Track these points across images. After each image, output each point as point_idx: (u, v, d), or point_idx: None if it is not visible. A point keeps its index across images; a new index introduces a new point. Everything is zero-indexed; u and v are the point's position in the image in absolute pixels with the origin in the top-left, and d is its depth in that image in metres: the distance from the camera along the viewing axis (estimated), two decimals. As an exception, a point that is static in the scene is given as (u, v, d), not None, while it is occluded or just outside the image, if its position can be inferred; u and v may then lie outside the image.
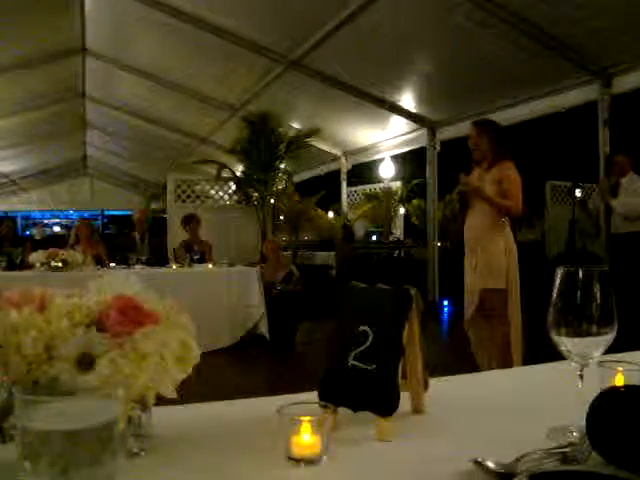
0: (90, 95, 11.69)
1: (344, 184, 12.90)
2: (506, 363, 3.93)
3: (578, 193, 10.75)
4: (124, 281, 0.88)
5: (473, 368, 4.04)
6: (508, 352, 4.01)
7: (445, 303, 9.67)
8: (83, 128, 14.02)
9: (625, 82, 6.55)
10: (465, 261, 4.30)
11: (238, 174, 10.45)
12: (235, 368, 5.93)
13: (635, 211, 6.39)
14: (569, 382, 0.93)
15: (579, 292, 0.89)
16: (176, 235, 8.59)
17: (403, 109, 9.27)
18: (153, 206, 15.83)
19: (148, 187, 17.81)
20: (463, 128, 8.01)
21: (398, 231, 13.68)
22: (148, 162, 16.09)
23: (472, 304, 4.18)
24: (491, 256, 4.07)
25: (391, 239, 12.37)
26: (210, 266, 7.05)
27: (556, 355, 0.96)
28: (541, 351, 0.97)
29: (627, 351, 1.39)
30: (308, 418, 0.78)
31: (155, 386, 0.80)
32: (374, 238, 12.14)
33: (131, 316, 0.82)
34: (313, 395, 1.00)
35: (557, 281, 0.91)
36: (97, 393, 0.70)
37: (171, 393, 0.82)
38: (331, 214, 14.99)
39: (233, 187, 10.53)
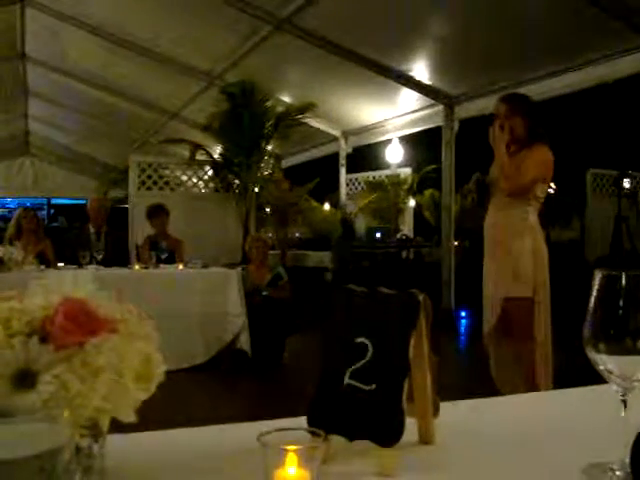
0: (32, 56, 11.57)
1: (343, 170, 12.91)
2: (532, 387, 3.94)
3: (626, 184, 10.79)
4: (73, 281, 0.88)
5: (493, 391, 4.05)
6: (535, 374, 4.02)
7: (462, 314, 9.69)
8: (24, 97, 13.89)
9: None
10: (485, 264, 4.30)
11: (216, 156, 10.44)
12: (210, 389, 5.92)
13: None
14: (609, 409, 0.93)
15: (622, 301, 0.88)
16: (140, 229, 8.57)
17: (415, 80, 9.27)
18: (112, 194, 15.79)
19: (106, 171, 17.76)
20: (486, 104, 8.01)
21: (407, 227, 13.70)
22: (106, 141, 16.04)
23: (492, 315, 4.18)
24: (516, 258, 4.06)
25: (398, 237, 12.39)
26: (180, 267, 7.03)
27: (594, 377, 0.96)
28: (575, 374, 0.97)
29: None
30: (294, 447, 0.77)
31: (110, 408, 0.80)
32: (378, 236, 12.14)
33: (81, 323, 0.81)
34: (302, 421, 1.00)
35: (596, 287, 0.91)
36: (37, 416, 0.69)
37: (129, 417, 0.81)
38: (327, 206, 15.00)
39: (210, 172, 10.51)
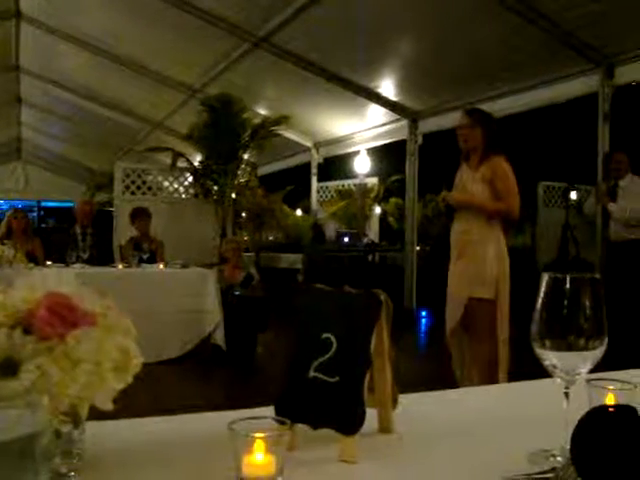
0: (25, 68, 11.45)
1: (314, 179, 12.91)
2: (490, 382, 3.95)
3: (573, 195, 10.91)
4: (57, 277, 0.87)
5: (453, 386, 4.07)
6: (494, 370, 4.04)
7: (423, 313, 9.73)
8: (17, 106, 13.75)
9: (629, 72, 6.64)
10: (450, 266, 4.33)
11: (196, 164, 10.38)
12: (186, 381, 5.88)
13: (635, 217, 6.49)
14: (554, 401, 0.94)
15: (566, 301, 0.89)
16: (123, 231, 8.49)
17: (382, 97, 9.32)
18: (98, 198, 15.62)
19: (93, 176, 17.58)
20: (447, 120, 8.09)
21: (373, 233, 13.72)
22: (94, 148, 15.90)
23: (456, 315, 4.20)
24: (481, 262, 4.10)
25: (365, 241, 12.40)
26: (161, 267, 6.99)
27: (545, 374, 0.97)
28: (530, 370, 0.97)
29: (620, 369, 1.41)
30: (262, 435, 0.77)
31: (89, 397, 0.79)
32: (346, 240, 12.15)
33: (63, 316, 0.80)
34: (270, 410, 1.00)
35: (542, 288, 0.91)
36: (19, 402, 0.68)
37: (107, 405, 0.80)
38: (299, 212, 14.98)
39: (190, 179, 10.44)
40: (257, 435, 0.77)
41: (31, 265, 6.41)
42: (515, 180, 4.16)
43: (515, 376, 3.87)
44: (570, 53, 6.70)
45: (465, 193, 4.26)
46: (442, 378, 4.40)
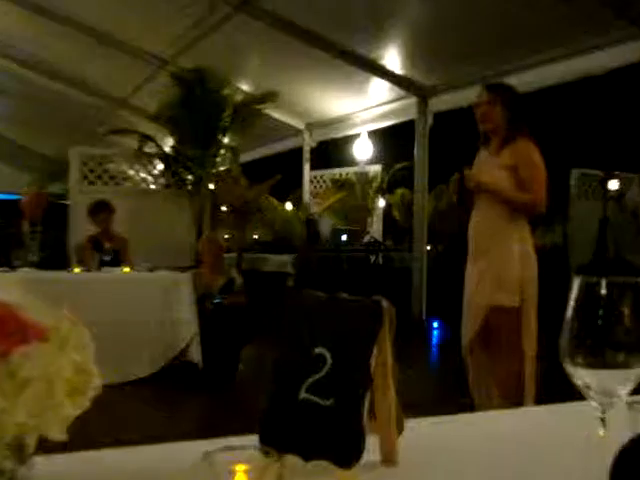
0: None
1: (307, 167, 12.93)
2: (515, 402, 3.96)
3: (613, 185, 10.95)
4: (-1, 283, 0.86)
5: (470, 409, 4.07)
6: (519, 391, 4.04)
7: (435, 324, 9.75)
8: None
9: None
10: (467, 269, 4.33)
11: (167, 149, 10.38)
12: (154, 405, 5.88)
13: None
14: (588, 427, 0.94)
15: (602, 310, 0.89)
16: (81, 228, 8.48)
17: (386, 70, 9.32)
18: (50, 189, 15.57)
19: (44, 164, 17.51)
20: (464, 96, 8.08)
21: (376, 230, 13.74)
22: (44, 130, 15.85)
23: (474, 325, 4.20)
24: (503, 263, 4.10)
25: (366, 240, 12.42)
26: (126, 270, 6.98)
27: (579, 395, 0.97)
28: (562, 391, 0.97)
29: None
30: (244, 467, 0.77)
31: (38, 425, 0.79)
32: (344, 238, 12.16)
33: (7, 330, 0.80)
34: (253, 439, 1.00)
35: (574, 295, 0.91)
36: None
37: (60, 435, 0.80)
38: (289, 206, 14.98)
39: (160, 166, 10.45)
40: (239, 468, 0.76)
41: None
42: (543, 167, 4.16)
43: (544, 398, 3.88)
44: (610, 15, 6.67)
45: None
46: (457, 400, 4.41)
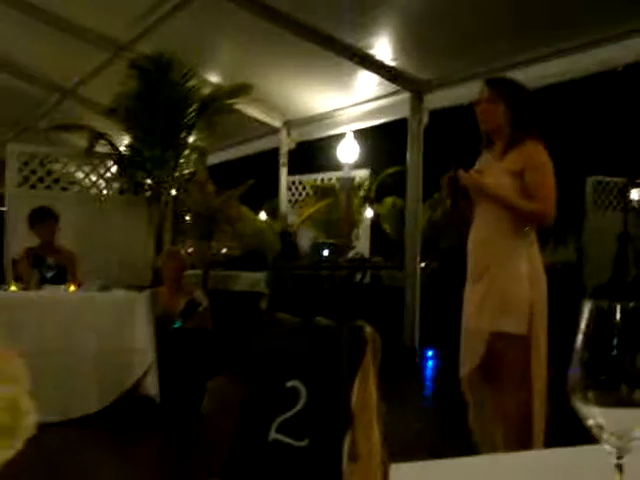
0: None
1: (284, 171, 12.96)
2: (521, 445, 3.96)
3: (634, 195, 11.03)
4: None
5: (470, 451, 4.08)
6: (526, 430, 4.04)
7: (429, 353, 9.78)
8: None
9: None
10: (466, 290, 4.33)
11: (122, 149, 10.37)
12: (103, 448, 5.85)
13: None
14: (603, 475, 0.93)
15: (617, 339, 0.89)
16: (19, 239, 8.45)
17: (376, 61, 9.37)
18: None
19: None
20: (464, 93, 8.13)
21: (362, 244, 13.76)
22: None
23: (474, 355, 4.20)
24: (508, 285, 4.10)
25: (351, 256, 12.43)
26: (72, 289, 6.94)
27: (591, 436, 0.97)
28: (575, 430, 0.97)
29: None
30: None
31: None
32: (326, 254, 12.17)
33: None
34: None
35: (585, 322, 0.91)
36: None
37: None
38: (263, 216, 15.00)
39: (114, 169, 10.44)
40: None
41: None
42: (552, 174, 4.17)
43: (555, 438, 3.88)
44: (632, 1, 6.74)
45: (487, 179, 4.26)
46: (455, 441, 4.41)
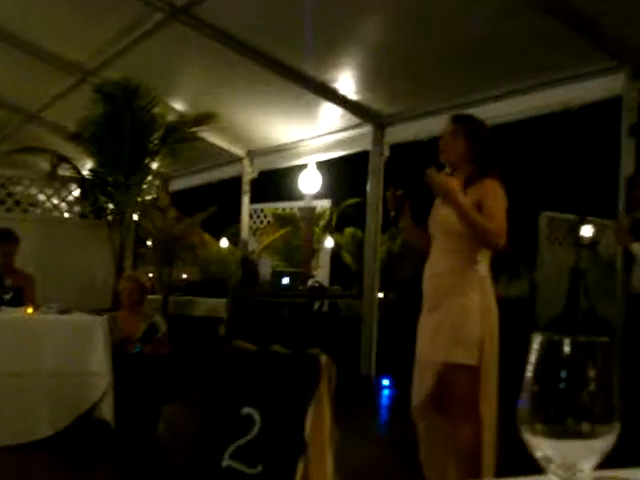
0: None
1: (246, 199, 12.94)
2: (471, 475, 3.96)
3: (586, 232, 11.16)
4: None
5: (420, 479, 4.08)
6: (475, 461, 4.03)
7: (385, 382, 9.75)
8: None
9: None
10: (421, 320, 4.34)
11: (85, 173, 10.31)
12: (57, 472, 5.74)
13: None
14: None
15: (565, 372, 0.89)
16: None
17: (339, 95, 9.41)
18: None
19: None
20: (425, 127, 8.21)
21: (322, 273, 13.76)
22: None
23: (426, 386, 4.19)
24: (461, 316, 4.10)
25: (311, 284, 12.41)
26: (29, 311, 6.85)
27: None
28: (525, 463, 0.98)
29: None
30: None
31: None
32: (286, 282, 12.13)
33: None
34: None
35: (534, 354, 0.91)
36: None
37: None
38: (225, 243, 14.95)
39: (76, 192, 10.36)
40: None
41: None
42: (505, 207, 4.20)
43: (505, 470, 3.88)
44: (587, 45, 6.85)
45: (441, 223, 4.28)
46: (407, 470, 4.40)
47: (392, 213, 4.55)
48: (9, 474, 4.55)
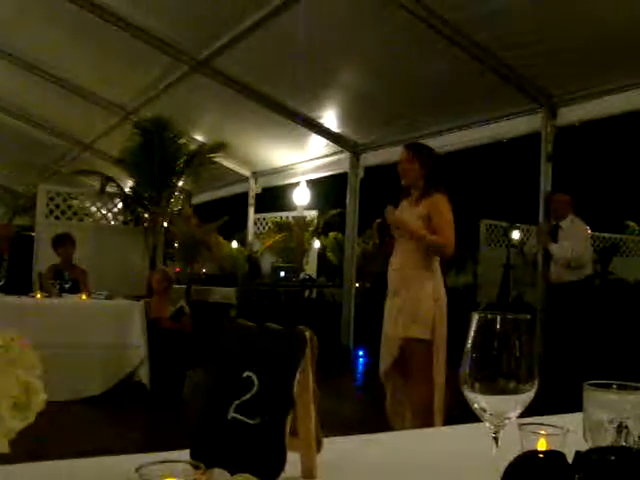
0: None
1: (251, 210, 12.89)
2: (425, 424, 3.95)
3: (515, 235, 11.20)
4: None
5: (388, 429, 4.06)
6: (429, 414, 4.04)
7: (361, 352, 9.75)
8: None
9: (571, 114, 6.90)
10: (386, 304, 4.34)
11: (126, 190, 10.26)
12: (104, 422, 5.71)
13: (575, 258, 6.70)
14: (484, 445, 0.94)
15: (496, 342, 0.90)
16: (45, 258, 8.28)
17: (324, 128, 9.40)
18: (19, 221, 15.23)
19: (13, 198, 17.14)
20: (391, 154, 8.20)
21: (311, 268, 13.72)
22: (17, 168, 15.50)
23: (390, 355, 4.21)
24: (417, 301, 4.11)
25: (302, 276, 12.39)
26: (84, 297, 6.83)
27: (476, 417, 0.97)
28: (469, 414, 0.98)
29: (558, 412, 1.43)
30: (173, 480, 0.74)
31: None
32: (283, 274, 12.11)
33: (-42, 348, 0.77)
34: (186, 453, 0.97)
35: (472, 329, 0.92)
36: None
37: (3, 447, 0.77)
38: (235, 244, 14.90)
39: (119, 205, 10.31)
40: (167, 480, 0.74)
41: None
42: (452, 218, 4.21)
43: (453, 421, 3.88)
44: (514, 92, 6.91)
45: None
46: (378, 421, 4.39)
47: (377, 241, 4.59)
48: (70, 421, 4.53)
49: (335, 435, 1.10)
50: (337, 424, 1.12)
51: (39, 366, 0.85)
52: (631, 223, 15.64)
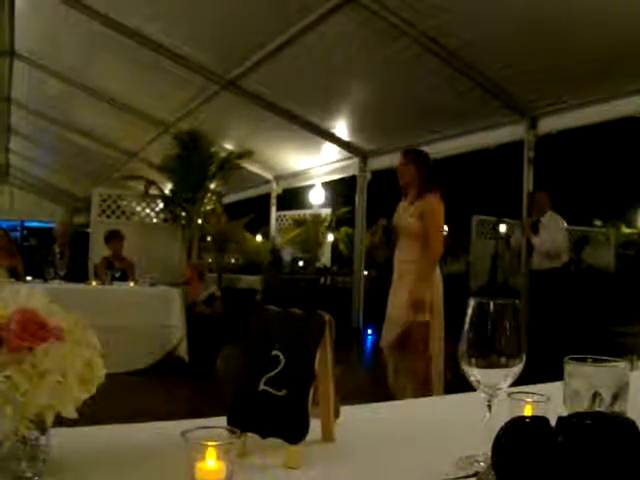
0: (16, 100, 11.31)
1: (273, 208, 12.90)
2: (423, 394, 3.95)
3: (502, 228, 11.15)
4: (27, 293, 0.85)
5: (391, 396, 4.07)
6: (427, 387, 4.04)
7: (369, 331, 9.75)
8: (6, 134, 13.51)
9: (549, 124, 6.87)
10: (390, 291, 4.33)
11: (167, 192, 10.29)
12: (151, 391, 5.75)
13: (554, 248, 6.70)
14: (479, 412, 0.95)
15: (490, 324, 0.91)
16: (98, 251, 8.35)
17: (336, 137, 9.39)
18: (76, 220, 15.35)
19: (72, 200, 17.28)
20: (394, 159, 8.15)
21: (325, 258, 13.74)
22: (75, 175, 15.66)
23: (393, 334, 4.20)
24: (417, 289, 4.10)
25: (318, 266, 12.42)
26: (132, 284, 6.88)
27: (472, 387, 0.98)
28: (465, 385, 0.99)
29: (541, 382, 1.43)
30: (214, 443, 0.75)
31: (54, 405, 0.77)
32: (301, 264, 12.16)
33: (32, 330, 0.78)
34: (223, 420, 0.98)
35: (469, 312, 0.93)
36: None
37: (72, 414, 0.78)
38: (259, 238, 14.93)
39: (161, 205, 10.35)
40: (209, 443, 0.75)
41: (12, 280, 6.25)
42: (442, 218, 4.16)
43: (451, 390, 3.88)
44: (500, 105, 6.90)
45: (404, 227, 4.27)
46: (382, 390, 4.40)
47: (383, 239, 4.58)
48: (120, 391, 4.55)
49: (348, 403, 1.11)
50: (349, 393, 1.12)
51: (99, 345, 0.86)
52: (598, 221, 15.68)
